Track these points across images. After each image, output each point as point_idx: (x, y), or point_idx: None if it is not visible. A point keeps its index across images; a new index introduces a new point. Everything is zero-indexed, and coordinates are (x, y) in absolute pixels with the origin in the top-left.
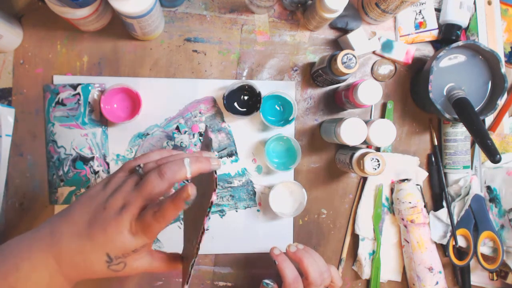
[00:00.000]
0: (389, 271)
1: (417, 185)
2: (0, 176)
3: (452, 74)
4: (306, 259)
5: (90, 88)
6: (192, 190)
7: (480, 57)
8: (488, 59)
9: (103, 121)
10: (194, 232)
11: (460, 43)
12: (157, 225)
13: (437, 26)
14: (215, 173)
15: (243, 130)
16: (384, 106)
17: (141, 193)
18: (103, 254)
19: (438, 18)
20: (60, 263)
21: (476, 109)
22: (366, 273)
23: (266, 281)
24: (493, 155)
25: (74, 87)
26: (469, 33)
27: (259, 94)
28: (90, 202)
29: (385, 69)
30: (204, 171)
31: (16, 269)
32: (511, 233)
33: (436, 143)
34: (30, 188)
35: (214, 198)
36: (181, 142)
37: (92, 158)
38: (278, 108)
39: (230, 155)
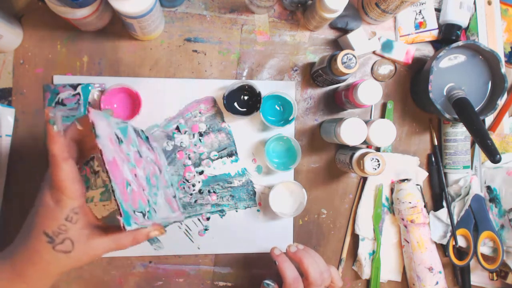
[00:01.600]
0: (389, 271)
1: (417, 185)
2: (0, 176)
3: (452, 74)
4: (306, 259)
5: (90, 88)
6: (48, 109)
7: (480, 57)
8: (488, 59)
9: None
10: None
11: (460, 43)
12: (57, 169)
13: (437, 26)
14: (93, 130)
15: (243, 130)
16: (384, 106)
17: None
18: (41, 234)
19: (438, 18)
20: (15, 267)
21: (476, 109)
22: (366, 273)
23: (267, 281)
24: (493, 155)
25: (74, 87)
26: (469, 33)
27: (259, 94)
28: None
29: (385, 69)
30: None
31: None
32: (511, 233)
33: (436, 143)
34: (30, 188)
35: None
36: (181, 142)
37: (92, 158)
38: (278, 108)
39: (230, 155)
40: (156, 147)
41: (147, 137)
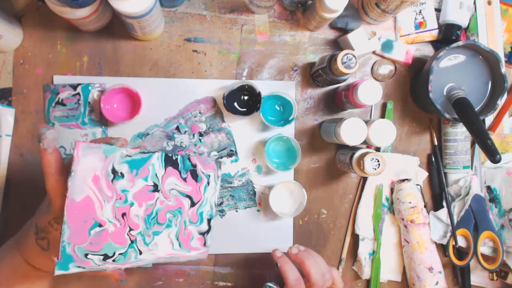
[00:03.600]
0: (389, 271)
1: (417, 185)
2: (0, 176)
3: (452, 74)
4: (308, 260)
5: (90, 88)
6: (39, 127)
7: (480, 57)
8: (488, 59)
9: (103, 121)
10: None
11: (460, 43)
12: (46, 182)
13: (437, 26)
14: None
15: (243, 130)
16: (384, 106)
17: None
18: (34, 225)
19: (438, 18)
20: (19, 249)
21: (476, 109)
22: (366, 273)
23: (269, 284)
24: (493, 155)
25: (74, 87)
26: (469, 33)
27: (259, 94)
28: None
29: (385, 69)
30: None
31: None
32: (511, 233)
33: (436, 143)
34: (30, 188)
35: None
36: (181, 142)
37: None
38: (278, 108)
39: (230, 155)
40: (209, 175)
41: (193, 166)
